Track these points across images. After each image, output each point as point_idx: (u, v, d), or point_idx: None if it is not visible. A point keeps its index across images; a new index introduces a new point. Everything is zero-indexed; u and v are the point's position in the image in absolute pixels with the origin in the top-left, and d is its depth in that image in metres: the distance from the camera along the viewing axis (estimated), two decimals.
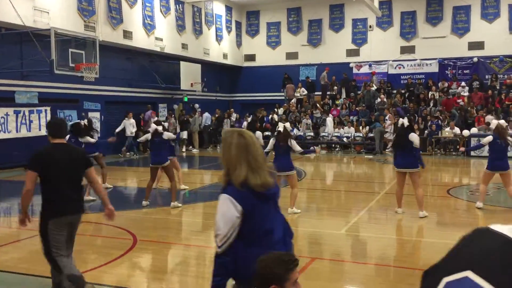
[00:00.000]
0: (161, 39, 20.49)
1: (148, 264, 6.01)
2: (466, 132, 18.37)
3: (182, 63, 21.38)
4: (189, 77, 21.75)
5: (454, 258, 0.96)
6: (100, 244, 6.88)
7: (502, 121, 9.05)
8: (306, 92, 23.94)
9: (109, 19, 17.54)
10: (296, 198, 8.52)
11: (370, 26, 24.72)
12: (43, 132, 15.60)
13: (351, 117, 21.63)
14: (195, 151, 21.14)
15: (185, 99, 22.86)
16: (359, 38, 25.03)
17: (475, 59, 22.90)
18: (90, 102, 17.79)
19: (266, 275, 2.24)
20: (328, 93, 24.00)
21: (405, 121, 8.11)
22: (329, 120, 21.45)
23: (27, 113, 15.08)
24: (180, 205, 9.21)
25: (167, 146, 9.51)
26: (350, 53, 25.14)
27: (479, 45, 22.87)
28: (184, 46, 22.16)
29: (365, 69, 24.77)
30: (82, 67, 15.41)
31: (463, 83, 22.14)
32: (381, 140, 19.54)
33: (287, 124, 8.90)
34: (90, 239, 7.23)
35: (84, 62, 15.60)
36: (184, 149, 20.59)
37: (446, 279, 0.93)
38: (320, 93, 24.24)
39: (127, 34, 18.48)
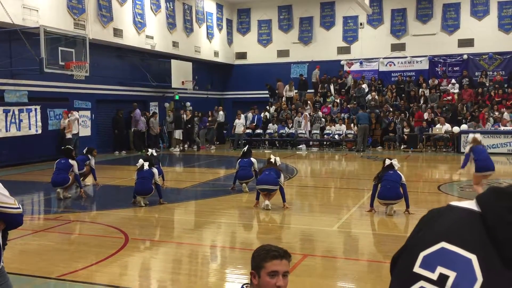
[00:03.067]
0: (152, 37, 20.41)
1: (140, 262, 5.99)
2: (456, 129, 18.59)
3: (173, 61, 21.30)
4: (180, 75, 21.67)
5: (425, 234, 0.98)
6: (92, 243, 6.84)
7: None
8: (294, 90, 23.97)
9: (99, 17, 17.44)
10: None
11: (361, 24, 24.79)
12: (33, 131, 15.51)
13: (342, 115, 21.68)
14: (176, 150, 20.70)
15: (176, 97, 22.79)
16: (350, 35, 25.10)
17: (465, 56, 23.07)
18: (81, 101, 17.69)
19: (251, 262, 2.51)
20: (320, 90, 24.04)
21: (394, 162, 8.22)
22: (240, 123, 21.30)
23: (16, 112, 14.95)
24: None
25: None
26: (341, 50, 25.20)
27: (468, 42, 23.04)
28: (175, 44, 22.09)
29: (356, 67, 24.85)
30: (72, 66, 15.29)
31: (453, 80, 22.30)
32: (366, 137, 19.63)
33: (278, 159, 8.95)
34: (81, 238, 7.20)
35: (74, 60, 15.48)
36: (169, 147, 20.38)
37: (423, 253, 0.95)
38: (312, 91, 24.31)
39: (117, 32, 18.38)
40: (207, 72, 25.76)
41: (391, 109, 21.05)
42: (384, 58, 24.44)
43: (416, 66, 23.92)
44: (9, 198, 2.67)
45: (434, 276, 0.93)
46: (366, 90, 22.77)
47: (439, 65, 23.66)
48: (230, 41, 27.13)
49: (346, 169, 16.03)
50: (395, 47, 24.30)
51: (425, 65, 23.80)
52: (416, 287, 0.94)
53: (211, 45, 25.24)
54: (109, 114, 19.18)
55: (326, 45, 25.30)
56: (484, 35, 22.60)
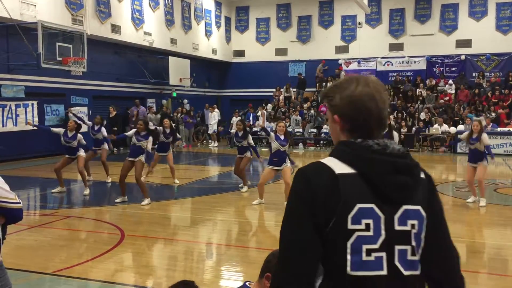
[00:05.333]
0: (150, 34, 20.37)
1: (136, 259, 6.00)
2: (453, 129, 18.65)
3: (171, 58, 21.27)
4: (178, 72, 21.65)
5: (342, 202, 1.42)
6: (88, 239, 6.84)
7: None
8: (293, 90, 24.04)
9: (97, 13, 17.39)
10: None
11: (359, 23, 24.80)
12: (30, 126, 15.43)
13: None
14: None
15: (174, 94, 22.77)
16: (348, 35, 25.11)
17: (463, 57, 23.11)
18: (78, 97, 17.64)
19: (271, 264, 2.43)
20: (318, 89, 24.06)
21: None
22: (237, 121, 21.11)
23: (13, 107, 14.91)
24: (146, 202, 8.94)
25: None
26: (339, 49, 25.21)
27: (466, 43, 23.08)
28: (173, 41, 22.06)
29: (354, 66, 24.87)
30: (70, 61, 15.26)
31: (450, 81, 22.37)
32: None
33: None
34: (77, 233, 7.19)
35: (71, 56, 15.45)
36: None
37: (350, 215, 1.42)
38: (311, 89, 24.34)
39: (115, 28, 18.33)
40: (205, 69, 25.74)
41: (388, 110, 21.06)
42: (382, 57, 24.46)
43: (414, 66, 23.95)
44: (10, 193, 2.69)
45: (362, 226, 1.42)
46: None
47: (437, 65, 23.70)
48: (228, 39, 27.09)
49: None
50: (393, 47, 24.32)
51: (422, 65, 23.84)
52: (354, 236, 1.42)
53: (209, 43, 25.20)
54: (106, 110, 19.10)
55: (324, 44, 25.30)
56: (481, 36, 22.63)
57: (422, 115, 20.31)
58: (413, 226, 1.47)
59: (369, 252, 1.42)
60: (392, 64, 24.37)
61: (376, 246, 1.42)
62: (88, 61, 15.95)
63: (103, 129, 11.73)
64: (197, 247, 6.54)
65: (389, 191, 1.44)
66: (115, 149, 18.70)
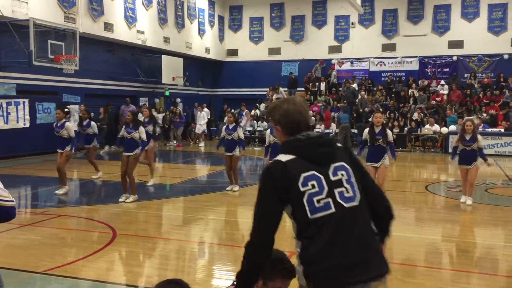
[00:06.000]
0: (143, 32, 20.30)
1: (128, 258, 5.98)
2: (444, 130, 18.75)
3: (164, 56, 21.22)
4: (171, 71, 21.59)
5: (293, 176, 2.17)
6: (79, 238, 6.81)
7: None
8: (284, 89, 24.03)
9: (89, 11, 17.31)
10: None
11: (352, 23, 24.88)
12: (21, 124, 15.36)
13: (333, 113, 21.74)
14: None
15: (167, 93, 22.71)
16: (341, 35, 25.18)
17: (455, 58, 23.25)
18: (70, 95, 17.55)
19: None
20: (310, 89, 24.08)
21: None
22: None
23: (4, 105, 14.79)
24: (131, 199, 8.96)
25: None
26: (332, 49, 25.27)
27: (458, 44, 23.22)
28: (166, 39, 22.00)
29: (347, 66, 24.94)
30: (62, 59, 15.18)
31: (442, 81, 22.49)
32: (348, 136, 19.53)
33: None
34: (69, 232, 7.16)
35: (63, 54, 15.37)
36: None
37: (299, 182, 2.15)
38: (302, 89, 24.36)
39: (108, 27, 18.26)
40: (198, 68, 25.70)
41: (380, 110, 21.13)
42: (374, 58, 24.55)
43: (406, 67, 24.07)
44: (4, 191, 2.66)
45: (310, 186, 2.15)
46: (356, 89, 22.86)
47: (429, 66, 23.82)
48: (221, 38, 27.07)
49: None
50: (386, 47, 24.42)
51: (415, 66, 23.96)
52: (306, 195, 2.15)
53: (203, 42, 25.17)
54: (99, 109, 19.04)
55: (317, 44, 25.35)
56: (473, 37, 22.78)
57: (415, 115, 20.40)
58: (342, 175, 2.21)
59: (319, 201, 2.14)
60: (385, 64, 24.47)
61: (323, 196, 2.15)
62: (80, 59, 15.87)
63: (93, 123, 11.55)
64: (189, 246, 6.53)
65: (319, 159, 2.21)
66: (107, 146, 18.63)
